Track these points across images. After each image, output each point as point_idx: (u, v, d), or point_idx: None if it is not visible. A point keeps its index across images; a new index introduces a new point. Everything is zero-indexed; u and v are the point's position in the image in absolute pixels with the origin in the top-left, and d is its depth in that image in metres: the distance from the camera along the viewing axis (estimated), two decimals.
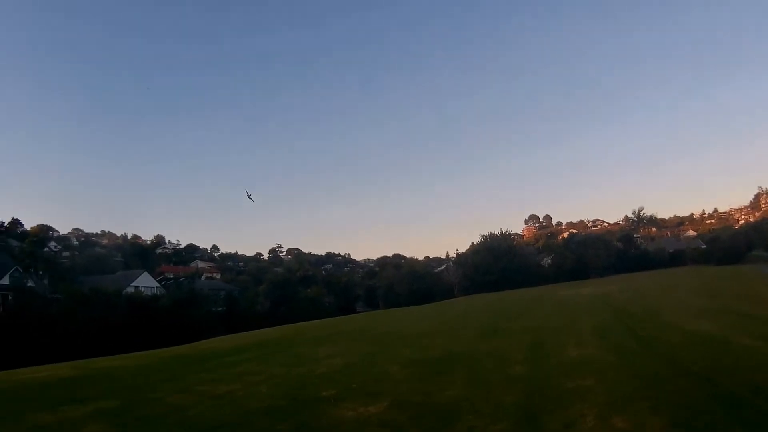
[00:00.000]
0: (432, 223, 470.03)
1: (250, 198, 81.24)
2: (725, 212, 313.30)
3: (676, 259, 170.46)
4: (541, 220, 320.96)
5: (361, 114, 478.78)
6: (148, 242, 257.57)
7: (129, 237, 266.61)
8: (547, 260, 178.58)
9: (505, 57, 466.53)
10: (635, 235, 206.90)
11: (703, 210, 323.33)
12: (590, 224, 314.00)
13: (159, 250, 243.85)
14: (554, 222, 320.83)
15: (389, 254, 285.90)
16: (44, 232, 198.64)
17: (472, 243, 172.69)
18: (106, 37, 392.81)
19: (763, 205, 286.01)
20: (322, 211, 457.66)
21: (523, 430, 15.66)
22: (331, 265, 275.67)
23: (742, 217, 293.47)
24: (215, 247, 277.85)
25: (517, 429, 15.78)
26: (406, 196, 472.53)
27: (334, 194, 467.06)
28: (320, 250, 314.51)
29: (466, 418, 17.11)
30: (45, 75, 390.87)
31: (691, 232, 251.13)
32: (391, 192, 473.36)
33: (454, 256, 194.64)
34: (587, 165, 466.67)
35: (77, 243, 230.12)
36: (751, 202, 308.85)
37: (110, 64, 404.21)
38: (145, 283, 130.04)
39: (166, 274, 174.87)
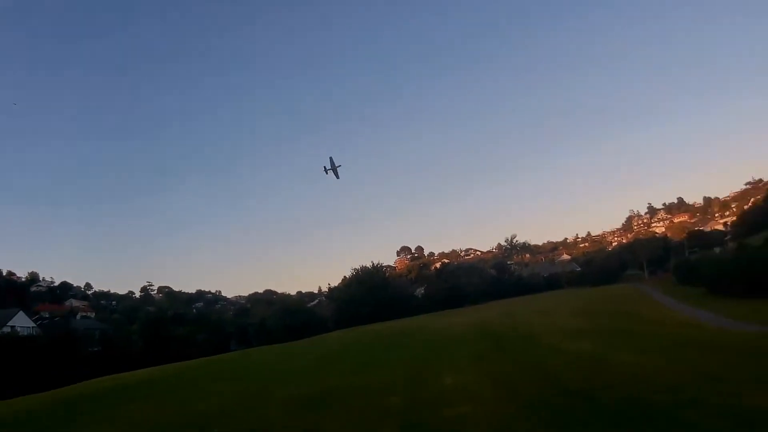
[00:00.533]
0: (304, 258, 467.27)
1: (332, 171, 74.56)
2: (598, 235, 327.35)
3: (551, 283, 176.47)
4: (413, 251, 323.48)
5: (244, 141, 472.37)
6: (23, 279, 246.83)
7: (3, 273, 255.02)
8: (420, 291, 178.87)
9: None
10: (509, 262, 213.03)
11: (577, 234, 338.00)
12: (463, 253, 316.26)
13: (34, 288, 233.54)
14: (426, 253, 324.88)
15: (261, 290, 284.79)
16: None
17: (345, 276, 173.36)
18: None
19: (635, 227, 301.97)
20: (192, 247, 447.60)
21: None
22: (202, 303, 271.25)
23: (615, 239, 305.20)
24: (88, 285, 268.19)
25: None
26: (278, 231, 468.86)
27: (202, 231, 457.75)
28: (191, 288, 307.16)
29: None
30: None
31: (566, 256, 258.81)
32: (262, 227, 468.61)
33: (327, 290, 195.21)
34: (458, 196, 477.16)
35: None
36: (623, 224, 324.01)
37: None
38: (21, 322, 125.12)
39: (41, 313, 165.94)
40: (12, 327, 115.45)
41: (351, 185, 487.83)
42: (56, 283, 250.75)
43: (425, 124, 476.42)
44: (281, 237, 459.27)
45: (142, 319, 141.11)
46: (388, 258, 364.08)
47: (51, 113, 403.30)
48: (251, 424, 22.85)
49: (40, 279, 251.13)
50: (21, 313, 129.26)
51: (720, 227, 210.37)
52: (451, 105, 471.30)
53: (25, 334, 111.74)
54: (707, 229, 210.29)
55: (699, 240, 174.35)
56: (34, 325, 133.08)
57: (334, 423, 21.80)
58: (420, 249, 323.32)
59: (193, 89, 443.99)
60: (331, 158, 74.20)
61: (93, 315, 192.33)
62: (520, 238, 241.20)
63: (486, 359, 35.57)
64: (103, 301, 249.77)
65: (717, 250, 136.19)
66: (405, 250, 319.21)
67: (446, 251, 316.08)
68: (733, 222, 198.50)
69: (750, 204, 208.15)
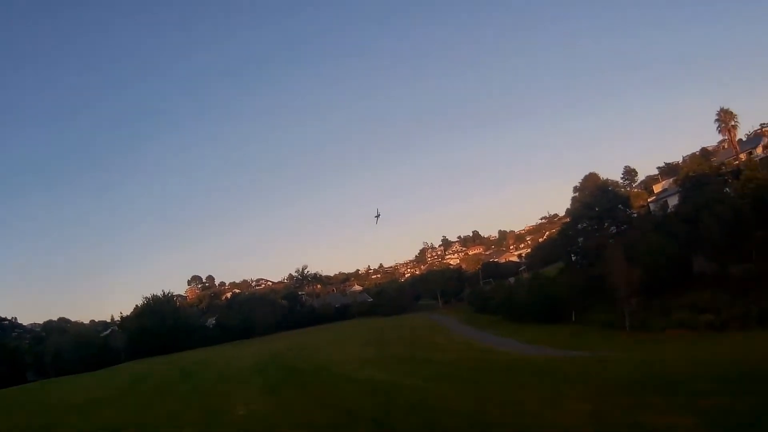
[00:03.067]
0: (97, 284, 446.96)
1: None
2: (391, 267, 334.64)
3: (342, 313, 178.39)
4: (204, 280, 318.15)
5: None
6: None
7: None
8: (212, 321, 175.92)
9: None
10: (300, 293, 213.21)
11: (369, 266, 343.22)
12: (254, 283, 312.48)
13: None
14: (217, 282, 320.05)
15: (55, 318, 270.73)
16: None
17: (136, 305, 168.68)
18: None
19: (429, 259, 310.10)
20: None
21: None
22: None
23: (408, 270, 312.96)
24: None
25: None
26: (72, 254, 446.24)
27: None
28: None
29: None
30: None
31: (357, 287, 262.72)
32: (56, 248, 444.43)
33: (119, 319, 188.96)
34: (251, 225, 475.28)
35: None
36: (416, 256, 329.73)
37: None
38: None
39: None
40: None
41: (144, 209, 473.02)
42: None
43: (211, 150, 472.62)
44: (77, 261, 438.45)
45: None
46: (179, 287, 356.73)
47: None
48: None
49: None
50: None
51: (514, 258, 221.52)
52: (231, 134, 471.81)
53: None
54: (502, 260, 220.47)
55: (493, 271, 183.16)
56: None
57: None
58: (211, 278, 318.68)
59: None
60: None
61: None
62: (312, 269, 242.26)
63: (279, 389, 35.31)
64: None
65: (511, 280, 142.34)
66: (196, 279, 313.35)
67: (237, 281, 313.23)
68: (527, 254, 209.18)
69: (545, 237, 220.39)
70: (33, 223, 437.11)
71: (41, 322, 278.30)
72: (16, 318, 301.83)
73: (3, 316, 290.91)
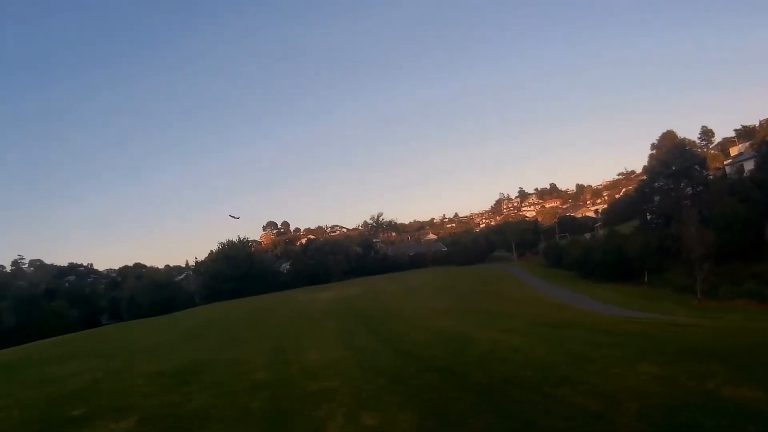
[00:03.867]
0: (172, 230, 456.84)
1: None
2: (466, 216, 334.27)
3: (416, 262, 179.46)
4: (279, 226, 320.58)
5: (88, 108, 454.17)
6: None
7: None
8: (286, 266, 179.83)
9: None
10: (375, 240, 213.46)
11: (444, 215, 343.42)
12: (329, 230, 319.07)
13: None
14: (292, 228, 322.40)
15: (131, 263, 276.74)
16: None
17: (211, 251, 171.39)
18: None
19: (505, 210, 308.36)
20: (63, 217, 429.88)
21: None
22: (74, 276, 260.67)
23: (484, 221, 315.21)
24: None
25: None
26: (146, 200, 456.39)
27: (72, 199, 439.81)
28: (63, 261, 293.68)
29: (215, 427, 16.63)
30: None
31: (432, 236, 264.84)
32: (131, 197, 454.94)
33: (194, 264, 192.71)
34: (326, 172, 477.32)
35: None
36: (492, 207, 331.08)
37: None
38: None
39: None
40: None
41: (218, 157, 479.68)
42: None
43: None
44: (151, 208, 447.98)
45: (13, 295, 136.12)
46: (254, 233, 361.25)
47: None
48: (122, 399, 22.22)
49: None
50: None
51: (591, 214, 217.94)
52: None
53: None
54: (578, 215, 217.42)
55: (569, 225, 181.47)
56: None
57: (201, 396, 21.47)
58: (286, 224, 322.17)
59: None
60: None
61: None
62: (387, 217, 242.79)
63: (352, 335, 35.72)
64: None
65: (587, 236, 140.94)
66: (271, 225, 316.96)
67: (312, 227, 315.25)
68: (603, 209, 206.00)
69: (621, 193, 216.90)
70: (106, 167, 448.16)
71: (117, 267, 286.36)
72: (91, 264, 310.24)
73: (79, 262, 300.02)
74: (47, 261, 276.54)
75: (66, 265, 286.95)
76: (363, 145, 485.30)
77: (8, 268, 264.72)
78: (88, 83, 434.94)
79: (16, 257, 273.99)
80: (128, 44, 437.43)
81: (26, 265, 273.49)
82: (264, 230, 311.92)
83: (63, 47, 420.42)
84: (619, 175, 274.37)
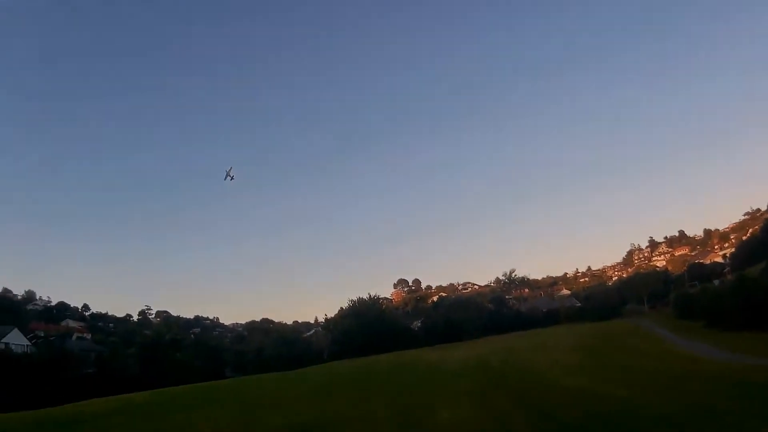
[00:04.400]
0: (301, 287, 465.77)
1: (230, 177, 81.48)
2: (599, 270, 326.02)
3: (550, 317, 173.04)
4: (411, 284, 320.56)
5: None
6: (19, 297, 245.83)
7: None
8: (417, 324, 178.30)
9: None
10: (507, 296, 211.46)
11: (577, 269, 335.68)
12: (460, 287, 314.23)
13: (30, 306, 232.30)
14: (423, 286, 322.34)
15: (258, 318, 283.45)
16: None
17: (341, 308, 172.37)
18: None
19: (636, 261, 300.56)
20: (191, 273, 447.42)
21: None
22: (199, 329, 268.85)
23: (616, 273, 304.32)
24: (86, 306, 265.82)
25: None
26: (275, 260, 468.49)
27: (202, 256, 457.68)
28: (189, 313, 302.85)
29: None
30: None
31: (566, 291, 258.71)
32: (260, 256, 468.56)
33: (323, 320, 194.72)
34: (457, 229, 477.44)
35: None
36: (623, 258, 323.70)
37: None
38: (16, 340, 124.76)
39: (36, 332, 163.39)
40: (6, 344, 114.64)
41: (349, 216, 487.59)
42: (53, 303, 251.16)
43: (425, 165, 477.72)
44: (279, 266, 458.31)
45: (139, 343, 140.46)
46: (384, 290, 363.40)
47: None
48: None
49: (37, 298, 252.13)
50: (15, 331, 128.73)
51: (719, 259, 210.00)
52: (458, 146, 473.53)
53: (20, 351, 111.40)
54: (707, 261, 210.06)
55: (699, 273, 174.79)
56: (29, 343, 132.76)
57: None
58: (417, 282, 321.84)
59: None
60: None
61: (89, 336, 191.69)
62: (519, 273, 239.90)
63: (483, 394, 35.49)
64: (100, 323, 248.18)
65: (716, 282, 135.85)
66: (402, 282, 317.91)
67: (443, 284, 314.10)
68: (731, 253, 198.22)
69: (748, 235, 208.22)
70: (237, 227, 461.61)
71: (243, 322, 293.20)
72: (218, 318, 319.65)
73: (205, 315, 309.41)
74: (173, 313, 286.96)
75: (192, 317, 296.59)
76: (494, 200, 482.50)
77: (135, 317, 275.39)
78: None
79: (144, 308, 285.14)
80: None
81: (153, 316, 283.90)
82: (395, 288, 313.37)
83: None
84: (745, 215, 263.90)
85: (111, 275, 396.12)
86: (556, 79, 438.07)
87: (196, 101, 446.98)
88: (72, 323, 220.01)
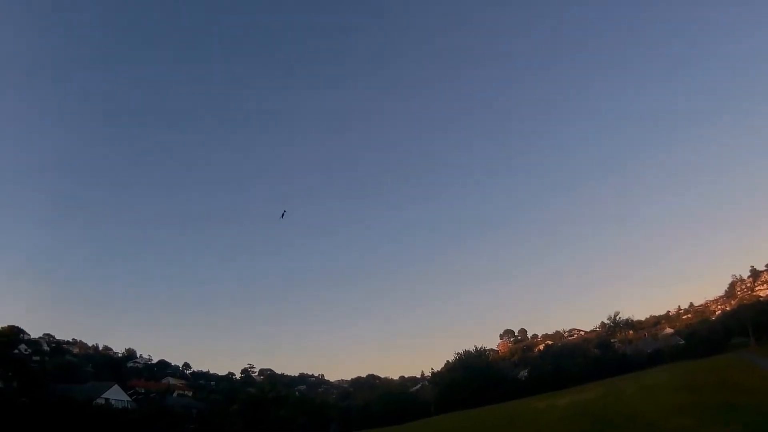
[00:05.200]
0: (407, 343, 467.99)
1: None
2: (701, 305, 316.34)
3: (655, 358, 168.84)
4: (516, 334, 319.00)
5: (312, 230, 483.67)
6: (120, 355, 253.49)
7: (100, 348, 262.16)
8: (524, 373, 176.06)
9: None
10: (612, 340, 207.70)
11: (679, 306, 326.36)
12: (566, 334, 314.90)
13: (130, 364, 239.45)
14: (529, 335, 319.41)
15: (363, 374, 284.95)
16: (14, 333, 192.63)
17: (448, 361, 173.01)
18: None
19: (739, 293, 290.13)
20: (296, 331, 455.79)
21: None
22: (304, 386, 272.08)
23: (719, 307, 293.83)
24: (187, 365, 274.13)
25: None
26: (380, 316, 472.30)
27: (306, 314, 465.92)
28: (293, 371, 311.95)
29: None
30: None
31: (669, 330, 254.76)
32: (365, 312, 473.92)
33: (429, 374, 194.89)
34: (560, 277, 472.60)
35: (48, 348, 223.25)
36: (726, 291, 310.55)
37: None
38: (116, 395, 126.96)
39: (137, 389, 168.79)
40: (106, 399, 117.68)
41: (450, 268, 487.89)
42: (153, 361, 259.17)
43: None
44: (386, 320, 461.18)
45: (242, 400, 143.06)
46: (491, 341, 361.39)
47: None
48: None
49: (137, 356, 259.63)
50: (116, 387, 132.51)
51: None
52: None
53: (120, 407, 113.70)
54: None
55: None
56: (129, 399, 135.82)
57: None
58: (523, 331, 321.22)
59: None
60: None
61: (190, 394, 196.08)
62: (623, 315, 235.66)
63: None
64: (201, 381, 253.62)
65: None
66: (508, 333, 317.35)
67: (549, 332, 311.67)
68: None
69: None
70: (344, 287, 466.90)
71: (349, 378, 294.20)
72: (323, 375, 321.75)
73: (310, 373, 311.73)
74: (278, 371, 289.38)
75: (297, 375, 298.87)
76: (594, 244, 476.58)
77: (238, 375, 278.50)
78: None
79: (247, 365, 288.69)
80: None
81: (256, 374, 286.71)
82: (501, 339, 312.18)
83: None
84: None
85: (213, 334, 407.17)
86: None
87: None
88: (173, 380, 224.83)
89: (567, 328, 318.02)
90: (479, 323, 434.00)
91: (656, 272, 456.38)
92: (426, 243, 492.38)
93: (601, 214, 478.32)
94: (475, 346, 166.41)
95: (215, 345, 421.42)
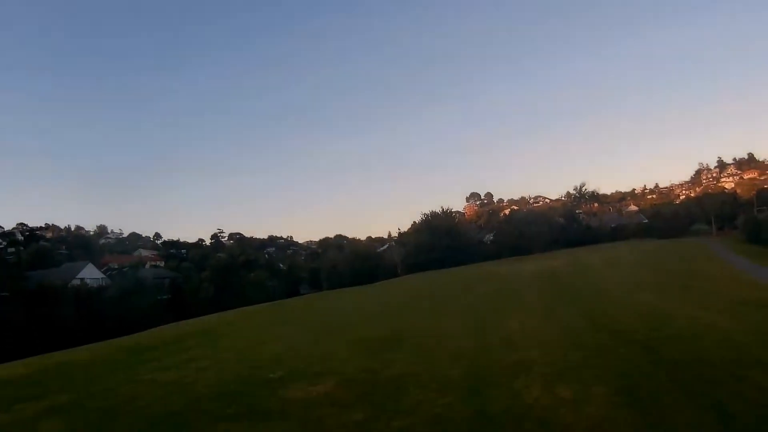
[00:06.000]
0: (373, 203, 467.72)
1: None
2: (666, 187, 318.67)
3: (618, 233, 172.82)
4: (483, 197, 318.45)
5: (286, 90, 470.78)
6: (91, 233, 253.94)
7: (72, 228, 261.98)
8: (489, 237, 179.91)
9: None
10: (577, 211, 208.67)
11: (645, 185, 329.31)
12: (532, 201, 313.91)
13: (102, 241, 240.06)
14: (496, 199, 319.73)
15: (331, 235, 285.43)
16: None
17: (414, 222, 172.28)
18: None
19: (704, 181, 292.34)
20: (263, 194, 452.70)
21: (470, 403, 15.95)
22: (273, 249, 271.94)
23: (683, 192, 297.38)
24: (158, 235, 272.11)
25: (464, 402, 16.10)
26: (346, 176, 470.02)
27: (273, 176, 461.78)
28: (262, 234, 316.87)
29: (414, 393, 17.41)
30: None
31: (633, 207, 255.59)
32: (331, 172, 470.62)
33: (396, 235, 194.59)
34: (527, 141, 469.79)
35: (22, 238, 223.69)
36: (692, 177, 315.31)
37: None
38: (90, 274, 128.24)
39: (110, 265, 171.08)
40: (81, 279, 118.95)
41: (420, 129, 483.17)
42: (124, 235, 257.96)
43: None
44: (352, 182, 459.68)
45: (213, 266, 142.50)
46: (457, 204, 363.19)
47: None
48: (320, 364, 23.47)
49: (108, 231, 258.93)
50: (90, 266, 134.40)
51: None
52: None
53: (95, 285, 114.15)
54: None
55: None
56: (104, 276, 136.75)
57: (400, 363, 22.31)
58: (489, 195, 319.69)
59: None
60: None
61: (162, 264, 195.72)
62: (590, 187, 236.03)
63: (553, 308, 35.59)
64: (172, 250, 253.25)
65: None
66: (474, 196, 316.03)
67: (515, 198, 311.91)
68: None
69: None
70: (314, 146, 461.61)
71: (317, 239, 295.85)
72: (291, 237, 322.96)
73: (279, 235, 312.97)
74: (247, 234, 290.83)
75: (266, 238, 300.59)
76: (565, 112, 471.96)
77: (208, 242, 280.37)
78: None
79: (216, 231, 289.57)
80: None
81: (226, 238, 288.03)
82: (467, 201, 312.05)
83: None
84: None
85: (182, 201, 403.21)
86: None
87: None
88: (145, 252, 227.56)
89: (533, 195, 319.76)
90: (447, 186, 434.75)
91: (626, 149, 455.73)
92: (395, 101, 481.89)
93: (579, 88, 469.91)
94: (441, 207, 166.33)
95: (185, 212, 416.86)
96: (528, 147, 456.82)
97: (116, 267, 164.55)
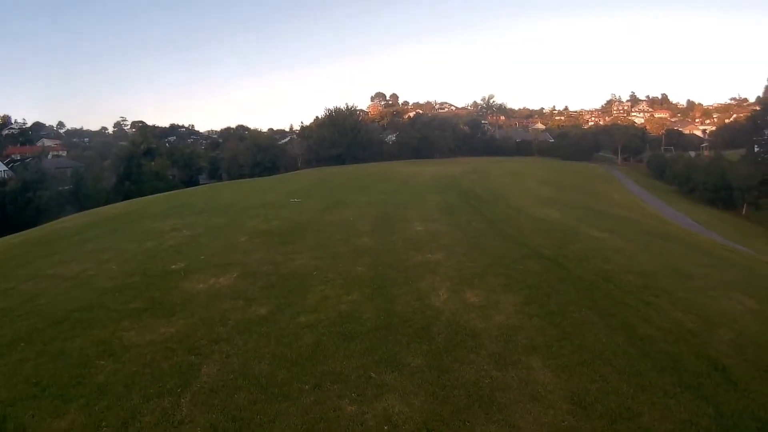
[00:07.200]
0: (277, 95, 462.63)
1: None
2: (575, 112, 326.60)
3: (522, 149, 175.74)
4: (388, 98, 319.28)
5: None
6: None
7: None
8: (391, 138, 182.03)
9: None
10: (483, 121, 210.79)
11: (554, 106, 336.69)
12: (438, 106, 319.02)
13: (5, 132, 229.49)
14: (401, 101, 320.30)
15: (233, 125, 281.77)
16: None
17: (317, 116, 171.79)
18: None
19: (615, 112, 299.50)
20: (166, 82, 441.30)
21: (376, 301, 15.74)
22: (175, 137, 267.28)
23: (593, 119, 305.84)
24: (61, 124, 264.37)
25: (370, 299, 15.87)
26: (251, 65, 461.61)
27: (177, 63, 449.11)
28: (164, 122, 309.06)
29: (318, 288, 17.11)
30: None
31: (540, 126, 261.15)
32: (236, 61, 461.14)
33: (299, 129, 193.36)
34: (440, 45, 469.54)
35: None
36: (602, 106, 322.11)
37: None
38: None
39: (12, 156, 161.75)
40: None
41: (331, 20, 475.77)
42: (28, 125, 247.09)
43: None
44: (255, 71, 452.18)
45: (115, 154, 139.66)
46: (361, 102, 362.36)
47: None
48: (222, 255, 22.88)
49: (12, 122, 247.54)
50: None
51: (698, 133, 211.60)
52: None
53: None
54: (686, 131, 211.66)
55: (676, 139, 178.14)
56: (6, 168, 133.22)
57: (304, 256, 21.96)
58: (395, 96, 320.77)
59: None
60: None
61: (65, 153, 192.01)
62: (497, 100, 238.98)
63: (456, 211, 35.64)
64: (75, 139, 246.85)
65: (692, 154, 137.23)
66: (379, 96, 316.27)
67: (421, 102, 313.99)
68: (712, 131, 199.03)
69: (731, 119, 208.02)
70: (218, 33, 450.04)
71: (218, 129, 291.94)
72: (193, 125, 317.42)
73: (181, 123, 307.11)
74: (149, 123, 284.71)
75: (168, 126, 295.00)
76: (479, 21, 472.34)
77: (111, 130, 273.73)
78: None
79: (119, 119, 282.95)
80: None
81: (128, 127, 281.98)
82: (372, 101, 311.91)
83: None
84: (731, 99, 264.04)
85: (86, 89, 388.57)
86: None
87: None
88: (48, 142, 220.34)
89: (439, 101, 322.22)
90: (352, 82, 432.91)
91: (538, 67, 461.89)
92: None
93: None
94: (346, 103, 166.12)
95: (89, 100, 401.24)
96: (438, 51, 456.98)
97: (18, 159, 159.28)
